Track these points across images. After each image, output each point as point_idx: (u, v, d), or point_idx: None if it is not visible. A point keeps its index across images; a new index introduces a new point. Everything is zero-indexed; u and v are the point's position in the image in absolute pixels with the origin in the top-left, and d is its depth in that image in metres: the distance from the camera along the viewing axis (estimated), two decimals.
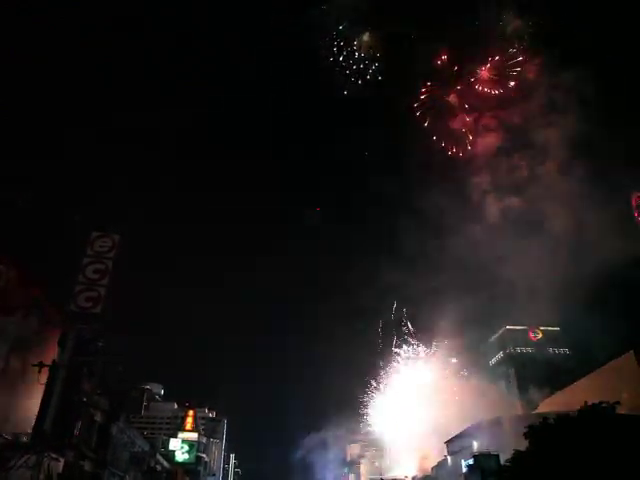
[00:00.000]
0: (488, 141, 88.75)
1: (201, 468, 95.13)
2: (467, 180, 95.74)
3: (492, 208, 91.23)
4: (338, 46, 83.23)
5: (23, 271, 24.24)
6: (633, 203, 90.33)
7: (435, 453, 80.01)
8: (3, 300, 22.39)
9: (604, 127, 77.45)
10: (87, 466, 30.99)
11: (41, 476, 23.69)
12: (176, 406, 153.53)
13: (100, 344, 27.66)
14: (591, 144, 78.86)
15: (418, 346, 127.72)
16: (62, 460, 26.48)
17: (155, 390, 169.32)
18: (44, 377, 24.50)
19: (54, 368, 24.79)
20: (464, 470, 47.59)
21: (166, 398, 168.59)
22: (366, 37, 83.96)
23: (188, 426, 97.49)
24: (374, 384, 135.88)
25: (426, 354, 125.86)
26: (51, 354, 25.68)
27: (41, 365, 24.07)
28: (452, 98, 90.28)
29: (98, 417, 32.95)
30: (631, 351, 45.08)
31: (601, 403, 24.76)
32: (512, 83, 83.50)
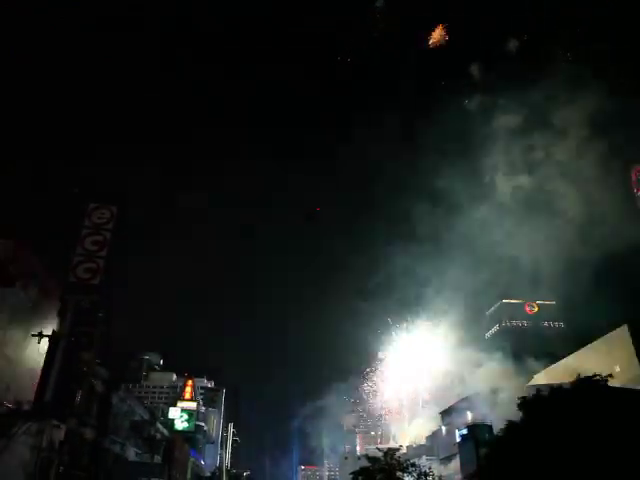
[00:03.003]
0: (503, 120, 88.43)
1: (200, 436, 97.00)
2: (478, 159, 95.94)
3: (501, 186, 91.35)
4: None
5: (21, 242, 24.23)
6: (633, 177, 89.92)
7: (430, 424, 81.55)
8: (2, 271, 22.42)
9: (618, 105, 76.43)
10: (88, 434, 31.56)
11: (43, 443, 24.16)
12: (175, 376, 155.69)
13: (99, 315, 27.84)
14: (603, 124, 78.03)
15: (418, 320, 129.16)
16: (63, 428, 26.94)
17: (154, 360, 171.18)
18: (44, 347, 24.74)
19: (54, 338, 25.00)
20: (458, 440, 48.53)
21: (165, 368, 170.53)
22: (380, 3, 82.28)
23: (187, 395, 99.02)
24: (374, 357, 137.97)
25: (425, 327, 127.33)
26: (50, 324, 25.86)
27: (41, 335, 24.25)
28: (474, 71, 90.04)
29: (98, 386, 33.40)
30: (624, 325, 45.45)
31: (594, 376, 25.09)
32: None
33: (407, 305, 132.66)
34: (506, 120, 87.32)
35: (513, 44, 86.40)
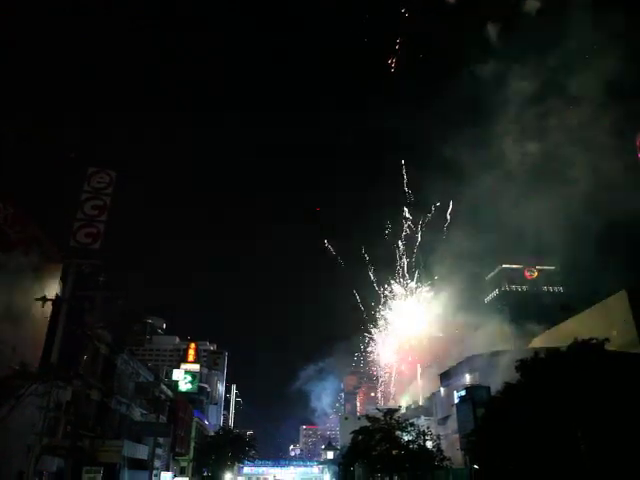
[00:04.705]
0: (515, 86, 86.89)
1: (204, 397, 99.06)
2: (486, 125, 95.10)
3: (508, 154, 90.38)
4: None
5: (21, 207, 24.17)
6: (637, 143, 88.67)
7: (429, 385, 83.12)
8: (3, 236, 22.45)
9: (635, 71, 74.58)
10: (94, 395, 32.28)
11: (51, 404, 24.72)
12: (178, 339, 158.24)
13: (101, 279, 28.03)
14: (617, 90, 76.35)
15: (420, 283, 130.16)
16: (70, 389, 27.52)
17: (157, 324, 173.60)
18: (48, 311, 25.00)
19: (57, 302, 25.23)
20: (456, 401, 49.43)
21: (168, 332, 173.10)
22: None
23: (190, 358, 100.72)
24: (376, 320, 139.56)
25: (427, 291, 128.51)
26: (53, 289, 26.06)
27: (44, 299, 24.47)
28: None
29: (102, 349, 33.95)
30: (623, 290, 45.71)
31: (591, 339, 25.39)
32: None
33: (410, 270, 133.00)
34: (518, 86, 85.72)
35: (531, 5, 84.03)
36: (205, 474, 67.18)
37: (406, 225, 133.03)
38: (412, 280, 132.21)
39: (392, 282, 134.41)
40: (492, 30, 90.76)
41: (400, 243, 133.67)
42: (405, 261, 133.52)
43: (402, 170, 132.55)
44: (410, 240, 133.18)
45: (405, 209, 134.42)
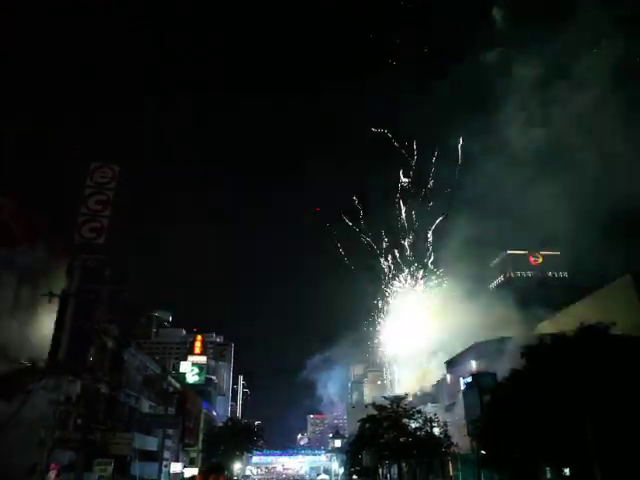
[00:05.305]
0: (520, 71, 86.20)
1: (211, 389, 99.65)
2: (492, 112, 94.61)
3: (514, 140, 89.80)
4: None
5: (26, 203, 24.25)
6: None
7: (436, 373, 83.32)
8: (8, 232, 22.55)
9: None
10: (103, 388, 32.54)
11: (61, 398, 24.95)
12: (184, 332, 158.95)
13: (106, 273, 28.11)
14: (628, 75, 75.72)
15: (426, 271, 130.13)
16: (79, 383, 27.75)
17: (164, 317, 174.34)
18: (54, 306, 25.12)
19: (64, 297, 25.35)
20: (462, 387, 49.57)
21: (175, 325, 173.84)
22: None
23: (197, 350, 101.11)
24: (380, 308, 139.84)
25: (433, 278, 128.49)
26: (59, 284, 26.16)
27: (51, 295, 24.57)
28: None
29: (110, 343, 34.15)
30: (628, 275, 45.49)
31: (597, 324, 25.33)
32: None
33: (417, 257, 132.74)
34: (524, 71, 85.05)
35: None
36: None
37: (414, 212, 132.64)
38: (419, 266, 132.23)
39: (399, 270, 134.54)
40: (497, 13, 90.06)
41: (404, 223, 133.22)
42: (409, 246, 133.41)
43: (407, 160, 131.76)
44: (416, 229, 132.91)
45: (406, 181, 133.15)
